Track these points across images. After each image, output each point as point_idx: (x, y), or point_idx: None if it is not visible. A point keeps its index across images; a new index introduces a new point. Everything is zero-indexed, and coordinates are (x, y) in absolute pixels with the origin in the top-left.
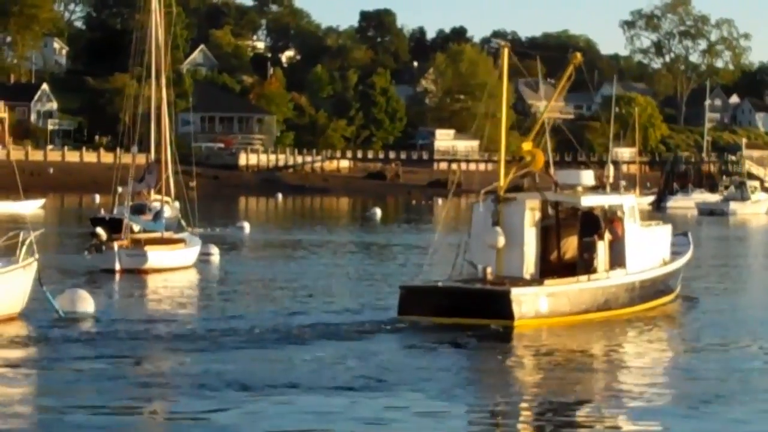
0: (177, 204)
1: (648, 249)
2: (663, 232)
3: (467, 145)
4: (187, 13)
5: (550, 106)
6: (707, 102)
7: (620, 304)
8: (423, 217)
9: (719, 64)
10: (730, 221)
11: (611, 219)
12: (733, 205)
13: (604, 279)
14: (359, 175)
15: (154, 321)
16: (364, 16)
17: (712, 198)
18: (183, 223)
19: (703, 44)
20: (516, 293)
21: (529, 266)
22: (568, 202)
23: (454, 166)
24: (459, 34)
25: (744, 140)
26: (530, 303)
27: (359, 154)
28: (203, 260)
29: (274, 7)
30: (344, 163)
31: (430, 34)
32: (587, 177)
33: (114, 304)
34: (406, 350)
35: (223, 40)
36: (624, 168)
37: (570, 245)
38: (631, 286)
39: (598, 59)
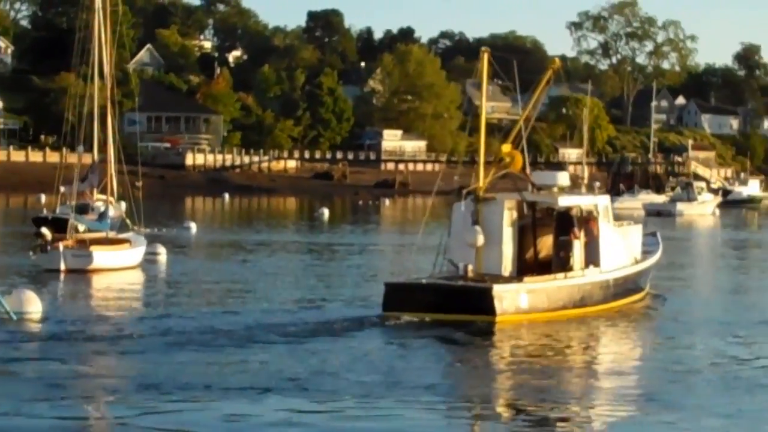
0: (123, 204)
1: (621, 248)
2: (635, 232)
3: (414, 146)
4: (133, 13)
5: (502, 107)
6: (654, 103)
7: (595, 301)
8: (370, 218)
9: (665, 65)
10: (677, 222)
11: (586, 219)
12: (680, 206)
13: (580, 277)
14: (306, 175)
15: (100, 322)
16: (312, 16)
17: (659, 199)
18: (128, 222)
19: (649, 46)
20: (498, 290)
21: (507, 264)
22: (545, 203)
23: (401, 166)
24: (406, 34)
25: (690, 141)
26: (511, 299)
27: (306, 155)
28: (150, 260)
29: (221, 7)
30: (291, 164)
31: (378, 35)
32: (563, 178)
33: (60, 304)
34: (348, 350)
35: (169, 40)
36: (571, 169)
37: (545, 244)
38: (605, 284)
39: (545, 60)
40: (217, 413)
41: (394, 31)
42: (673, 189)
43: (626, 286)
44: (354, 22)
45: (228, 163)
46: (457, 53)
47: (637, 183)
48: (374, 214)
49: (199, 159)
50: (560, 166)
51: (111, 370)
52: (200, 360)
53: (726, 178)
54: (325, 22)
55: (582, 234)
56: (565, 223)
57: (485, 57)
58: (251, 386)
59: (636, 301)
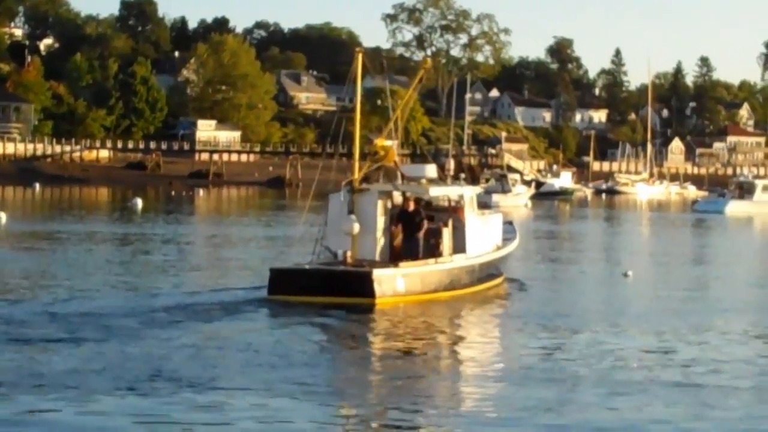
0: None
1: (484, 236)
2: (496, 221)
3: (229, 136)
4: None
5: (317, 97)
6: (468, 95)
7: (462, 284)
8: (184, 208)
9: (480, 58)
10: None
11: (455, 208)
12: (495, 198)
13: (449, 262)
14: (119, 165)
15: None
16: (125, 4)
17: None
18: None
19: (464, 38)
20: (377, 274)
21: (381, 250)
22: (417, 193)
23: (215, 156)
24: (221, 24)
25: (504, 134)
26: (389, 283)
27: (119, 144)
28: None
29: None
30: (104, 153)
31: (192, 24)
32: (431, 170)
33: None
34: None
35: None
36: None
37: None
38: (471, 269)
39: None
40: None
41: (209, 20)
42: (487, 181)
43: (489, 271)
44: (168, 11)
45: (39, 152)
46: (272, 44)
47: (450, 173)
48: (188, 205)
49: (9, 148)
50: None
51: None
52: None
53: (539, 170)
54: (138, 11)
55: (451, 222)
56: (407, 218)
57: (360, 57)
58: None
59: (497, 285)
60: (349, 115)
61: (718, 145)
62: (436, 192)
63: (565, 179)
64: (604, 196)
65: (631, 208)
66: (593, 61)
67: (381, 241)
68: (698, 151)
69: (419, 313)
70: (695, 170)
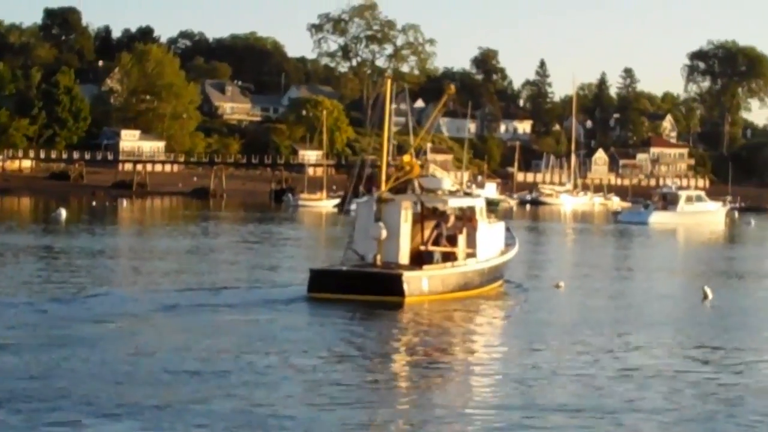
0: None
1: (491, 242)
2: (500, 228)
3: (153, 146)
4: None
5: (242, 108)
6: (393, 106)
7: (474, 285)
8: (108, 219)
9: (405, 68)
10: None
11: (469, 217)
12: None
13: (464, 266)
14: (42, 175)
15: None
16: (49, 13)
17: None
18: None
19: (389, 49)
20: (407, 275)
21: (404, 254)
22: (439, 204)
23: (139, 166)
24: (145, 34)
25: (428, 144)
26: (416, 283)
27: (42, 154)
28: None
29: None
30: (26, 163)
31: (116, 34)
32: (447, 182)
33: None
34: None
35: None
36: (311, 171)
37: (429, 237)
38: (481, 272)
39: (285, 62)
40: None
41: (133, 30)
42: (413, 191)
43: (495, 274)
44: (92, 20)
45: None
46: (197, 53)
47: (376, 185)
48: (111, 216)
49: None
50: (300, 167)
51: None
52: None
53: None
54: (62, 20)
55: (465, 229)
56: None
57: (388, 83)
58: None
59: (500, 286)
60: (273, 125)
61: (641, 157)
62: (454, 203)
63: (489, 190)
64: (528, 206)
65: (555, 219)
66: (518, 72)
67: (404, 246)
68: (622, 162)
69: (439, 310)
70: (619, 181)
